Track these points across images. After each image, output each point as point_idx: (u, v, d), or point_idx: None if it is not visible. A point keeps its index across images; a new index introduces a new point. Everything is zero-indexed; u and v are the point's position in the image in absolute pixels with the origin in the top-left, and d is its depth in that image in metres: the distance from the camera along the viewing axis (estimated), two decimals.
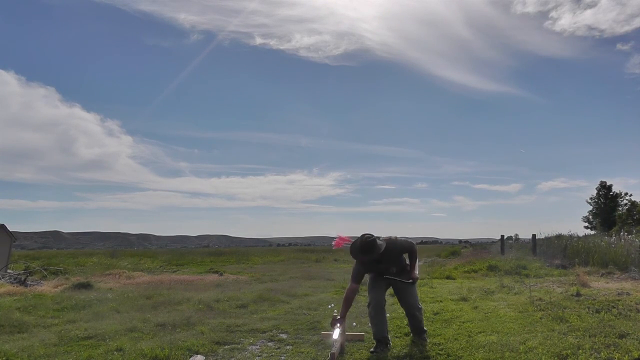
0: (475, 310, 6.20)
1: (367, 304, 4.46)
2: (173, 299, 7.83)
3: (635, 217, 43.49)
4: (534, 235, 17.77)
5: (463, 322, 5.38)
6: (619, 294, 7.32)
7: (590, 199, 51.17)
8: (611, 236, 16.51)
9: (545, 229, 22.63)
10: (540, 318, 5.45)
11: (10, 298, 8.64)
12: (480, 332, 4.80)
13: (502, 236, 21.09)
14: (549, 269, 12.17)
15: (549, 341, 4.29)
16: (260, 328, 5.38)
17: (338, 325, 4.07)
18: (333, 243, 4.54)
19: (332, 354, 3.64)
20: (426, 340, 4.45)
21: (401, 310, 6.34)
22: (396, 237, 4.43)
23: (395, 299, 7.64)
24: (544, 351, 3.94)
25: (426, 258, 24.69)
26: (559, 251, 15.55)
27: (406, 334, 4.78)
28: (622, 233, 16.89)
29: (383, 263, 4.30)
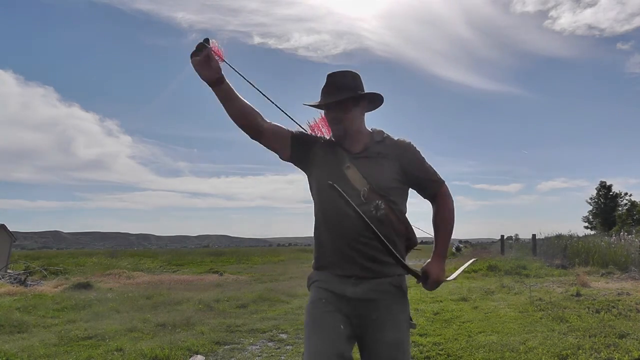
0: (475, 310, 6.20)
1: None
2: (173, 299, 7.83)
3: (635, 217, 43.52)
4: (534, 235, 17.76)
5: (463, 322, 5.38)
6: (619, 294, 7.32)
7: (590, 199, 51.25)
8: (611, 236, 16.49)
9: (545, 229, 22.64)
10: (540, 318, 5.45)
11: (10, 298, 8.64)
12: (480, 332, 4.80)
13: (502, 236, 21.09)
14: (549, 269, 12.15)
15: (549, 341, 4.29)
16: (260, 328, 5.38)
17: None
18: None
19: None
20: None
21: None
22: None
23: None
24: (544, 351, 3.94)
25: (426, 258, 24.64)
26: (559, 251, 15.53)
27: None
28: (622, 233, 16.86)
29: (359, 159, 1.78)
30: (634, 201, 46.87)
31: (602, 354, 3.81)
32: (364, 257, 1.69)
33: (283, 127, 1.81)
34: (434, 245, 1.81)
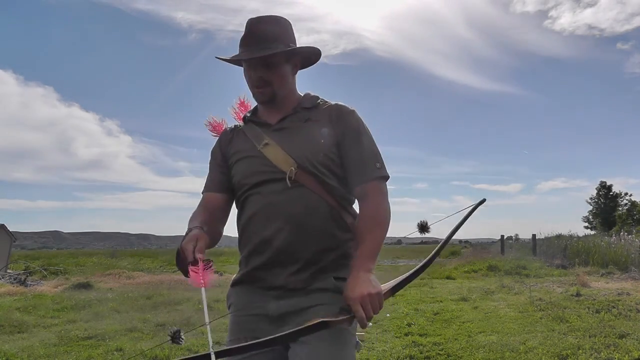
0: (475, 310, 6.20)
1: None
2: (173, 299, 7.83)
3: (635, 217, 43.57)
4: (534, 235, 17.77)
5: (463, 322, 5.38)
6: (619, 294, 7.32)
7: (590, 199, 51.33)
8: (611, 236, 16.50)
9: (545, 229, 22.62)
10: (540, 318, 5.45)
11: (10, 298, 8.64)
12: (480, 332, 4.81)
13: (502, 236, 21.08)
14: (549, 269, 12.15)
15: (549, 341, 4.29)
16: None
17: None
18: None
19: None
20: None
21: (401, 310, 6.35)
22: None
23: (396, 299, 7.50)
24: (544, 351, 3.94)
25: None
26: (559, 251, 15.54)
27: (406, 334, 4.78)
28: (622, 233, 16.87)
29: (281, 132, 1.33)
30: (634, 201, 46.99)
31: (602, 354, 3.81)
32: (300, 257, 1.22)
33: (210, 192, 1.40)
34: (354, 256, 1.23)
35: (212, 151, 1.46)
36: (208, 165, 1.46)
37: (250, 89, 1.34)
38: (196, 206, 1.40)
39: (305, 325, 1.09)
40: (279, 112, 1.35)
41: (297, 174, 1.25)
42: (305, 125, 1.32)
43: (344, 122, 1.32)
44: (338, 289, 1.20)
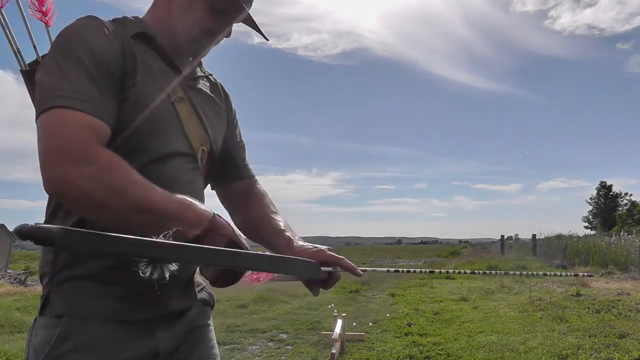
0: (475, 310, 6.20)
1: None
2: None
3: (635, 217, 43.57)
4: (534, 235, 17.79)
5: (463, 322, 5.38)
6: (619, 294, 7.32)
7: (590, 199, 51.39)
8: (611, 236, 16.51)
9: (545, 229, 22.69)
10: (540, 318, 5.45)
11: (10, 298, 8.64)
12: (480, 332, 4.81)
13: (502, 236, 21.10)
14: (549, 269, 12.17)
15: (549, 341, 4.29)
16: (260, 328, 5.39)
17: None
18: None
19: (332, 354, 3.65)
20: None
21: (401, 310, 6.36)
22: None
23: (396, 299, 7.57)
24: (544, 351, 3.95)
25: (426, 258, 24.71)
26: (559, 251, 15.55)
27: (406, 334, 4.78)
28: (622, 233, 16.89)
29: (195, 92, 0.95)
30: (634, 201, 47.01)
31: (602, 354, 3.81)
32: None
33: (103, 122, 0.75)
34: (288, 238, 0.93)
35: (99, 48, 0.80)
36: (73, 62, 0.78)
37: (196, 33, 0.89)
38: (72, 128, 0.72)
39: (307, 259, 0.83)
40: (184, 62, 0.93)
41: (205, 155, 0.93)
42: (212, 97, 0.99)
43: (231, 105, 1.07)
44: (206, 302, 0.96)
